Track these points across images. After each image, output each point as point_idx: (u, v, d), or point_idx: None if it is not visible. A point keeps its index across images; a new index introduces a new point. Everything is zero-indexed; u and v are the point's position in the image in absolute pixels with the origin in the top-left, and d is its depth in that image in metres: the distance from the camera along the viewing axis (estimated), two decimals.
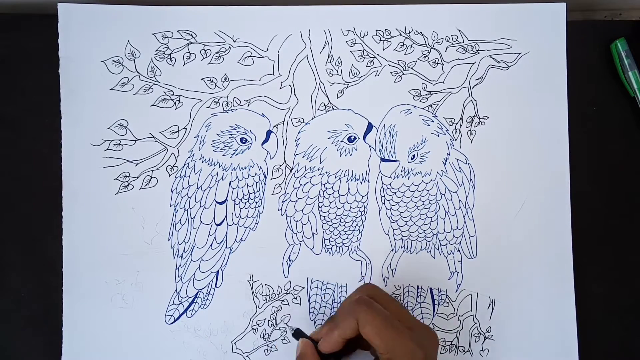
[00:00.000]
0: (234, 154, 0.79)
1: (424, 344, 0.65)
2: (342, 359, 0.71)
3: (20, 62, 0.80)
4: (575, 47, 0.82)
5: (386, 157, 0.79)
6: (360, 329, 0.65)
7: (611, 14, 0.90)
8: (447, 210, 0.80)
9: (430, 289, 0.80)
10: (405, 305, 0.79)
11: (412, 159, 0.79)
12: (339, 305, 0.79)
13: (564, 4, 0.80)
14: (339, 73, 0.80)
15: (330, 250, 0.80)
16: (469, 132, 0.80)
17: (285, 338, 0.79)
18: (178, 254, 0.79)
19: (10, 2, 0.82)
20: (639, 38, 0.83)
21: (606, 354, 0.81)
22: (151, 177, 0.79)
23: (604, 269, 0.82)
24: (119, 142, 0.79)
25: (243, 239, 0.79)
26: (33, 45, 0.80)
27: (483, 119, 0.80)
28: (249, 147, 0.79)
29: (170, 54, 0.79)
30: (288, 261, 0.79)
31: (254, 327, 0.79)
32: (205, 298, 0.79)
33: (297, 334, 0.73)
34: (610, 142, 0.83)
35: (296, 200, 0.79)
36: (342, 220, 0.80)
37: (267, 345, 0.78)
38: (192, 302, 0.79)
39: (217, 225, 0.79)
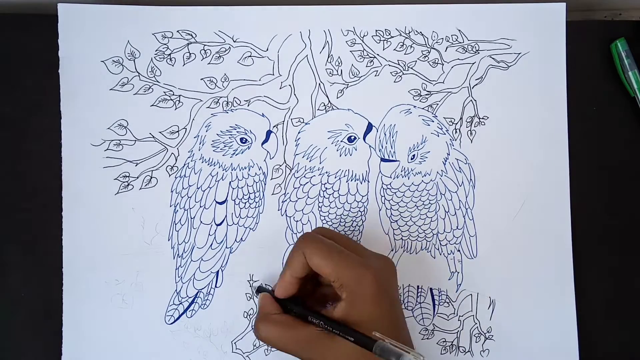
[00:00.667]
0: (234, 154, 0.79)
1: (373, 266, 0.66)
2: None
3: (20, 62, 0.80)
4: (575, 47, 0.82)
5: (386, 157, 0.79)
6: (308, 261, 0.66)
7: (611, 14, 0.90)
8: (447, 210, 0.80)
9: (431, 289, 0.80)
10: (405, 305, 0.79)
11: (412, 159, 0.79)
12: None
13: (563, 4, 0.80)
14: (339, 73, 0.80)
15: None
16: (469, 132, 0.80)
17: None
18: (178, 254, 0.79)
19: (10, 2, 0.81)
20: (639, 38, 0.83)
21: (606, 354, 0.81)
22: (151, 177, 0.79)
23: (604, 269, 0.82)
24: (118, 142, 0.79)
25: (243, 239, 0.79)
26: (33, 45, 0.80)
27: (483, 119, 0.80)
28: (248, 147, 0.79)
29: (170, 54, 0.79)
30: None
31: (254, 327, 0.78)
32: (205, 298, 0.79)
33: (259, 290, 0.75)
34: (610, 142, 0.83)
35: (296, 200, 0.79)
36: (342, 220, 0.79)
37: (268, 346, 0.78)
38: (192, 302, 0.79)
39: (217, 225, 0.79)
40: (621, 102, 0.83)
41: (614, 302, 0.81)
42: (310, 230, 0.78)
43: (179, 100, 0.79)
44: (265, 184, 0.79)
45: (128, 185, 0.79)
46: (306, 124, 0.80)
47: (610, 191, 0.83)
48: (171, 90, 0.79)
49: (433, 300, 0.80)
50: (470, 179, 0.80)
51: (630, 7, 0.89)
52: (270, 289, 0.74)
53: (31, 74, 0.80)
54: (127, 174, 0.79)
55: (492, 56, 0.80)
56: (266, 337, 0.68)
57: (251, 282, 0.79)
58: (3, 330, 0.79)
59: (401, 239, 0.80)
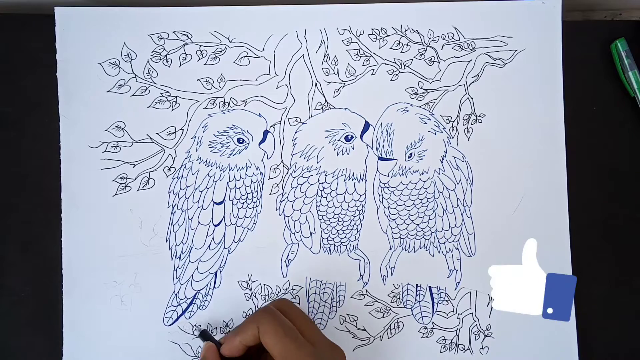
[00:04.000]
0: (231, 154, 0.79)
1: (322, 358, 0.66)
2: None
3: (20, 62, 0.81)
4: (575, 47, 0.82)
5: (383, 156, 0.79)
6: (260, 336, 0.65)
7: (611, 14, 0.90)
8: (445, 208, 0.80)
9: (430, 287, 0.79)
10: (405, 304, 0.79)
11: (409, 157, 0.79)
12: (337, 304, 0.79)
13: (559, 0, 0.80)
14: (335, 72, 0.80)
15: (328, 249, 0.79)
16: (466, 129, 0.80)
17: None
18: (176, 255, 0.79)
19: (10, 2, 0.82)
20: (639, 38, 0.83)
21: (606, 354, 0.80)
22: (149, 179, 0.79)
23: (604, 269, 0.81)
24: (116, 143, 0.79)
25: (241, 239, 0.79)
26: (33, 45, 0.81)
27: (480, 116, 0.80)
28: (246, 148, 0.79)
29: (166, 55, 0.80)
30: (286, 261, 0.79)
31: None
32: (204, 299, 0.79)
33: (203, 335, 0.73)
34: (610, 142, 0.83)
35: (294, 200, 0.79)
36: (340, 219, 0.79)
37: None
38: (191, 303, 0.79)
39: (215, 225, 0.79)
40: (621, 102, 0.83)
41: (614, 302, 0.81)
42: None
43: (176, 101, 0.79)
44: (262, 184, 0.80)
45: (126, 186, 0.79)
46: (303, 123, 0.80)
47: (609, 191, 0.82)
48: (168, 92, 0.79)
49: (432, 298, 0.79)
50: (468, 177, 0.80)
51: (630, 7, 0.89)
52: (215, 338, 0.73)
53: (31, 74, 0.80)
54: (125, 176, 0.79)
55: (489, 54, 0.80)
56: None
57: (196, 326, 0.79)
58: (3, 330, 0.79)
59: (399, 237, 0.79)
